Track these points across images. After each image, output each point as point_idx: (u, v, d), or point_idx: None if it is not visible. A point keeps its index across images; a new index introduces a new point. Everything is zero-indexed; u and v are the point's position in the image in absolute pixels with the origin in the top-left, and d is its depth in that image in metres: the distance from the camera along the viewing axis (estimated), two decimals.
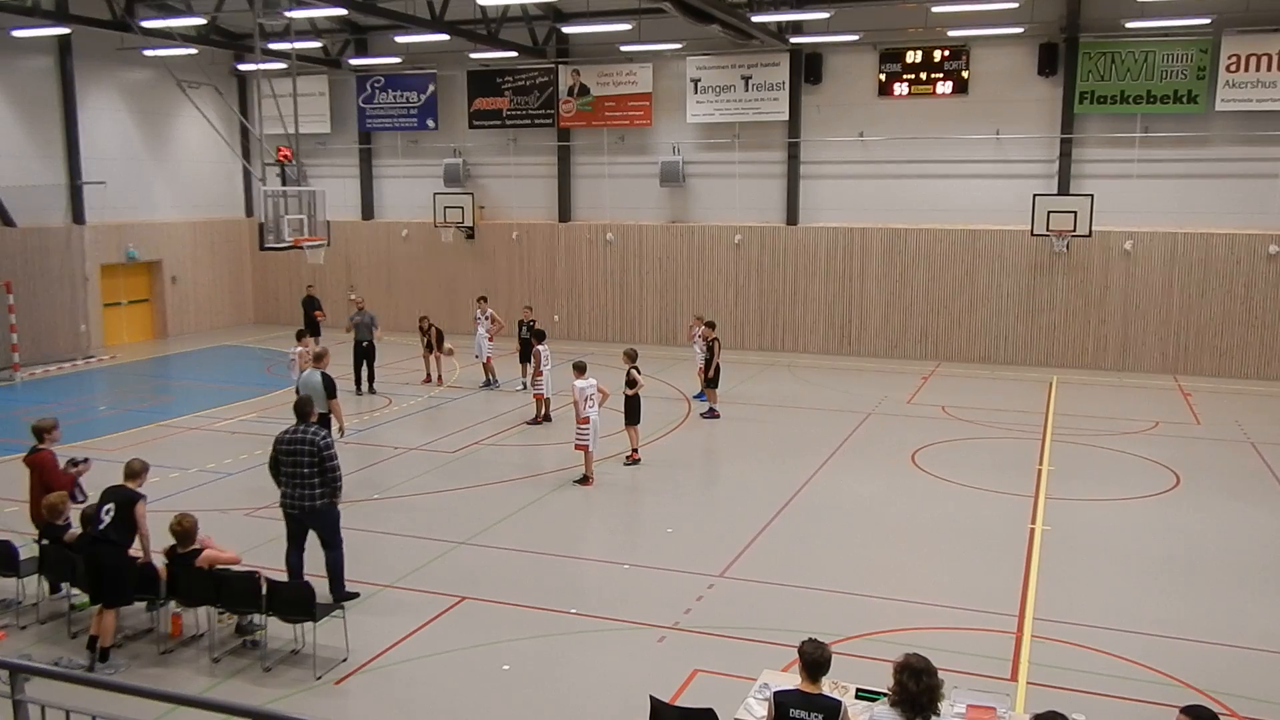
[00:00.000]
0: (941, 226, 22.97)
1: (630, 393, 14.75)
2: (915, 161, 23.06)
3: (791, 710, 5.72)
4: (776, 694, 5.85)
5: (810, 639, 5.97)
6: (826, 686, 6.13)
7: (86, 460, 10.31)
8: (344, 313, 26.70)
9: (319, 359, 13.54)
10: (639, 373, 14.84)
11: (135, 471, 9.04)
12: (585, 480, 13.77)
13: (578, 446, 13.77)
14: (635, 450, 14.87)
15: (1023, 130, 22.25)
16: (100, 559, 8.60)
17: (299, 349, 16.64)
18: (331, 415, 13.01)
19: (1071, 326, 22.35)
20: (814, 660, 5.83)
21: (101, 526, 8.66)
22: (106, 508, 8.74)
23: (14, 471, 14.37)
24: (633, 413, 14.83)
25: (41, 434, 10.00)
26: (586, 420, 13.55)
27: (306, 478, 9.41)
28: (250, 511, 12.48)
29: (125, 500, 8.76)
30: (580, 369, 14.00)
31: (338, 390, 13.36)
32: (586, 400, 13.55)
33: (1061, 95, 21.76)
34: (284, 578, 9.23)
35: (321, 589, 9.28)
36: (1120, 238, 21.72)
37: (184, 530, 8.78)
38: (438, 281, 27.70)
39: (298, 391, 12.74)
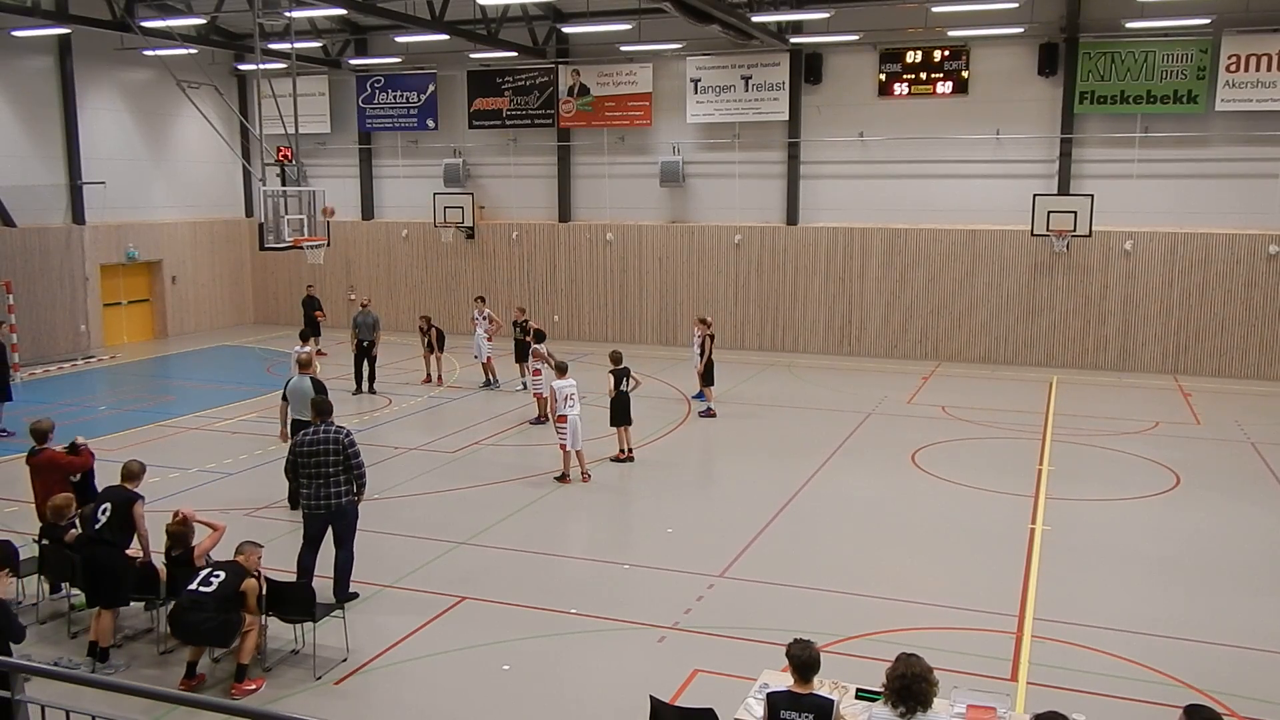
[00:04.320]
0: (941, 226, 22.97)
1: (613, 394, 14.77)
2: (915, 161, 23.06)
3: (782, 711, 5.73)
4: (768, 695, 5.87)
5: (796, 639, 5.97)
6: (826, 687, 6.12)
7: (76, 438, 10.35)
8: (344, 313, 26.77)
9: (305, 366, 13.49)
10: (626, 377, 14.86)
11: (134, 473, 9.03)
12: (564, 478, 13.80)
13: (560, 445, 13.82)
14: (623, 450, 14.90)
15: (1023, 130, 22.25)
16: (96, 560, 8.60)
17: (305, 349, 16.61)
18: None
19: (1071, 326, 22.35)
20: (802, 661, 5.84)
21: (97, 527, 8.66)
22: (103, 508, 8.73)
23: (15, 471, 14.37)
24: (617, 414, 14.84)
25: (44, 435, 10.03)
26: (564, 419, 13.58)
27: (332, 476, 9.43)
28: (250, 511, 12.49)
29: (122, 501, 8.75)
30: (562, 369, 14.04)
31: (328, 394, 13.33)
32: (566, 400, 13.58)
33: (1061, 95, 21.76)
34: (284, 577, 9.21)
35: (323, 589, 9.30)
36: (1120, 238, 21.72)
37: (178, 534, 8.78)
38: (438, 281, 27.70)
39: (284, 399, 12.73)
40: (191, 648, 8.34)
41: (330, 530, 9.65)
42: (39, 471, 9.96)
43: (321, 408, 9.87)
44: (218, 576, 8.17)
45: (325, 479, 9.43)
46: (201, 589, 8.08)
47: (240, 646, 8.19)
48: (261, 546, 8.69)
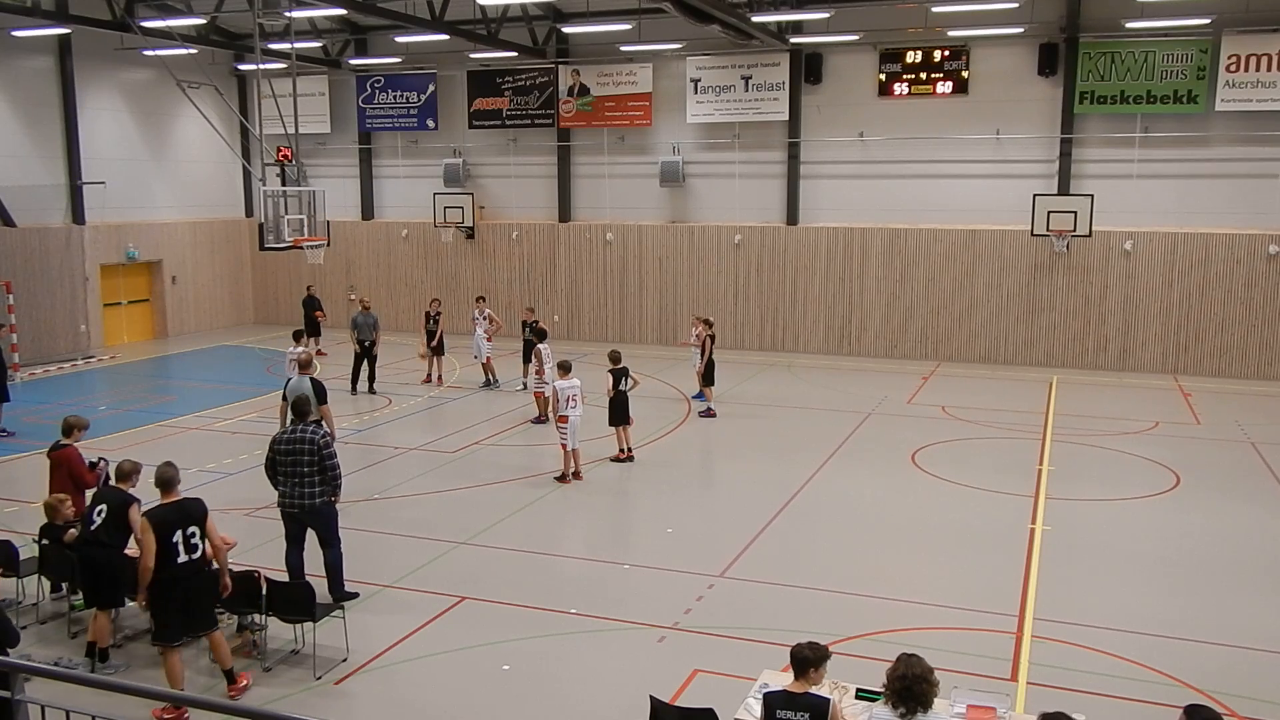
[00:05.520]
0: (941, 226, 22.96)
1: (612, 394, 14.78)
2: (915, 161, 23.06)
3: (778, 711, 5.73)
4: (764, 695, 5.88)
5: (809, 642, 6.00)
6: (827, 687, 6.12)
7: (102, 460, 10.30)
8: (344, 313, 26.77)
9: (305, 366, 13.47)
10: (625, 376, 14.88)
11: (125, 473, 8.95)
12: (564, 478, 13.82)
13: (560, 446, 13.84)
14: (623, 450, 14.91)
15: (1023, 130, 22.25)
16: (93, 561, 8.59)
17: (300, 349, 16.59)
18: (323, 420, 12.96)
19: (1071, 326, 22.35)
20: (797, 658, 5.86)
21: (93, 528, 8.64)
22: (99, 509, 8.71)
23: (14, 471, 14.41)
24: (616, 414, 14.86)
25: (71, 430, 10.07)
26: (565, 419, 13.59)
27: (306, 476, 9.45)
28: (250, 511, 12.47)
29: (118, 503, 8.72)
30: (565, 369, 14.06)
31: (328, 395, 13.34)
32: (567, 400, 13.59)
33: (1061, 95, 21.76)
34: (284, 578, 9.22)
35: (321, 589, 9.29)
36: (1120, 238, 21.72)
37: None
38: (438, 281, 27.69)
39: (284, 398, 12.73)
40: (172, 663, 8.02)
41: (311, 531, 9.69)
42: (55, 466, 9.99)
43: (299, 409, 9.86)
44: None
45: (300, 479, 9.47)
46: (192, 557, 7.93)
47: (215, 655, 8.16)
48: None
